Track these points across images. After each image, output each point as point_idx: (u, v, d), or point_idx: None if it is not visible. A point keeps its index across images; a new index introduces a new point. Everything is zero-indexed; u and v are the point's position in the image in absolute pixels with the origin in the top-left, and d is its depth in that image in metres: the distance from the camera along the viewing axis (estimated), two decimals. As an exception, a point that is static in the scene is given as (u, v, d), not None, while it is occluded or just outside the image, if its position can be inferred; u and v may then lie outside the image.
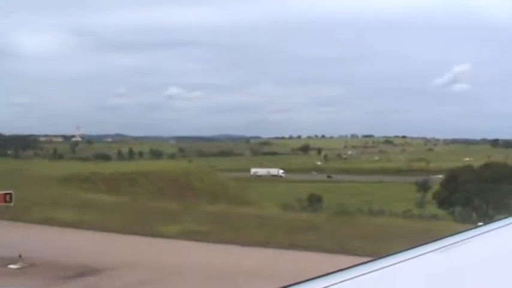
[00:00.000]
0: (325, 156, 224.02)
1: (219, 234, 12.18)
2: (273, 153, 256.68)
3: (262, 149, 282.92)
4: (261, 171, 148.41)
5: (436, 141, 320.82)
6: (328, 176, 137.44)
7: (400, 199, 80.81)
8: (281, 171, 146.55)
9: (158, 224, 13.55)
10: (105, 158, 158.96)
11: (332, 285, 1.67)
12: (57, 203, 17.96)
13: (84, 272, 9.85)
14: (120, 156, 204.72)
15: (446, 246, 2.17)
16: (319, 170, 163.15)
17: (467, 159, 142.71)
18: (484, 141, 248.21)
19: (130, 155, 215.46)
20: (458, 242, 2.25)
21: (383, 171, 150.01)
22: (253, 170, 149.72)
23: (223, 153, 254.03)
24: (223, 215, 15.32)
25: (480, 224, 2.70)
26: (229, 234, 12.18)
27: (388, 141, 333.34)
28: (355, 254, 9.83)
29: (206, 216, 14.72)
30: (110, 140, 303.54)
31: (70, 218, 14.54)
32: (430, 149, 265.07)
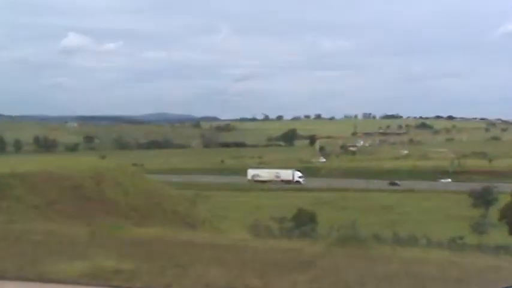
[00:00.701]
0: (322, 149, 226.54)
1: (152, 276, 11.99)
2: (239, 144, 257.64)
3: (221, 137, 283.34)
4: (265, 174, 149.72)
5: (505, 125, 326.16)
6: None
7: (444, 219, 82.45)
8: (298, 173, 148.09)
9: (48, 259, 13.25)
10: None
11: None
12: None
13: None
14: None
15: None
16: (315, 171, 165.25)
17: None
18: None
19: (1, 145, 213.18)
20: None
21: (416, 173, 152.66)
22: (251, 173, 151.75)
23: (156, 144, 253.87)
24: (157, 245, 15.16)
25: None
26: (169, 275, 12.01)
27: (424, 124, 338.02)
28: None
29: (129, 247, 14.52)
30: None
31: None
32: (495, 137, 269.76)
